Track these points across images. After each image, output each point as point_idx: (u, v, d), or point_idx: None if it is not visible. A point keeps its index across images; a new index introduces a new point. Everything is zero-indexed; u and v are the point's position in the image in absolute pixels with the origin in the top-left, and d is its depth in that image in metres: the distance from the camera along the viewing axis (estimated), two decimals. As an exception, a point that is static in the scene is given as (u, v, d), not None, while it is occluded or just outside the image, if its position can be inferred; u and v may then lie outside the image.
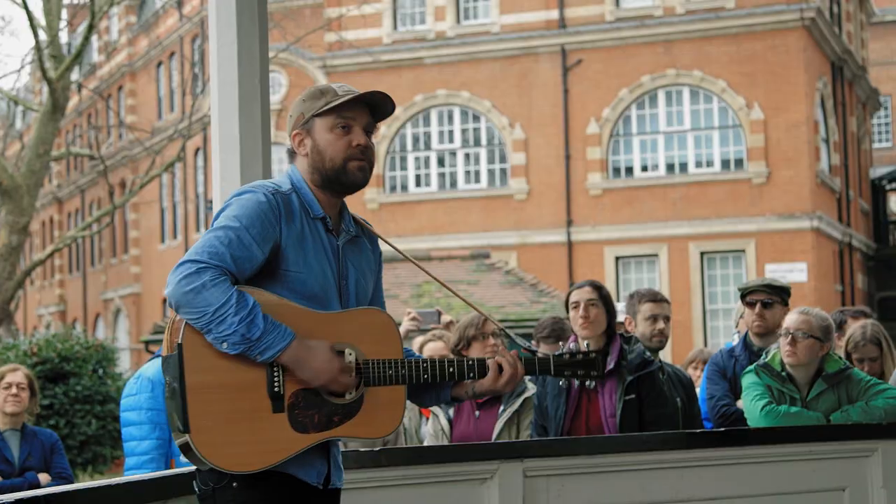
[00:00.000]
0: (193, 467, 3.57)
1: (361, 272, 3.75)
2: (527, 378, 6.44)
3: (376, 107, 3.72)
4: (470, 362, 3.74)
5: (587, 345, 3.96)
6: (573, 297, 6.10)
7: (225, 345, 3.38)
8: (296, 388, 3.48)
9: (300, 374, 3.46)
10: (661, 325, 6.90)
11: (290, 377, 3.47)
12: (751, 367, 6.23)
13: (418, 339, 7.52)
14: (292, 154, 3.75)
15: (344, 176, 3.65)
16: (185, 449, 3.42)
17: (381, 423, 3.62)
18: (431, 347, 7.01)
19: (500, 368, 3.75)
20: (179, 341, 3.41)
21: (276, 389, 3.45)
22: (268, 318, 3.40)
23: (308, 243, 3.60)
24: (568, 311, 6.15)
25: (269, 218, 3.52)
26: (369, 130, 3.70)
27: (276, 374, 3.45)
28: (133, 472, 5.93)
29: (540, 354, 3.87)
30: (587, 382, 3.97)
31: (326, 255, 3.64)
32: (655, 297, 7.05)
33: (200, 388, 3.40)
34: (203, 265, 3.40)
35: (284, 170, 3.81)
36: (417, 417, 7.16)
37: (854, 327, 7.04)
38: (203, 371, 3.41)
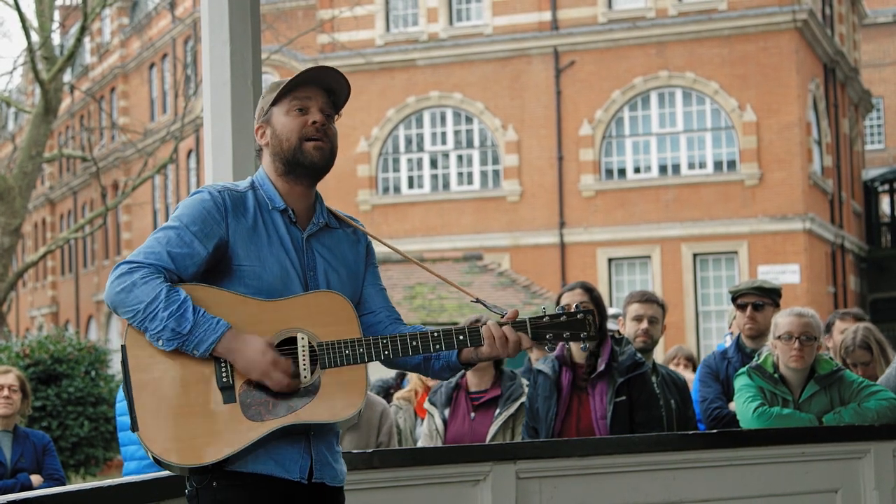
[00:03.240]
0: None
1: (332, 264, 3.67)
2: (524, 383, 6.45)
3: (332, 90, 3.67)
4: (460, 334, 3.61)
5: (577, 305, 3.68)
6: (564, 300, 6.10)
7: (160, 342, 3.36)
8: (247, 377, 3.43)
9: (236, 366, 3.41)
10: (644, 325, 6.89)
11: None
12: (743, 369, 6.22)
13: None
14: (259, 151, 3.73)
15: (301, 156, 3.58)
16: (155, 459, 3.39)
17: (341, 406, 3.49)
18: None
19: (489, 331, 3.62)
20: (123, 342, 3.42)
21: (224, 380, 3.41)
22: (198, 311, 3.37)
23: (261, 237, 3.55)
24: None
25: (212, 214, 3.50)
26: (328, 113, 3.64)
27: (223, 365, 3.41)
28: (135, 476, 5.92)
29: (517, 321, 3.67)
30: (582, 346, 3.65)
31: (285, 247, 3.58)
32: (642, 298, 7.05)
33: (146, 385, 3.38)
34: (136, 265, 3.41)
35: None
36: (413, 418, 7.15)
37: (846, 332, 7.02)
38: (148, 369, 3.39)
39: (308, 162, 3.60)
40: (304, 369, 3.47)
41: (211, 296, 3.45)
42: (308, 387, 3.47)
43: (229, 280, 3.51)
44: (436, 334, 3.61)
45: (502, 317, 3.70)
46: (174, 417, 3.37)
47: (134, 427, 3.36)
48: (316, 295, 3.56)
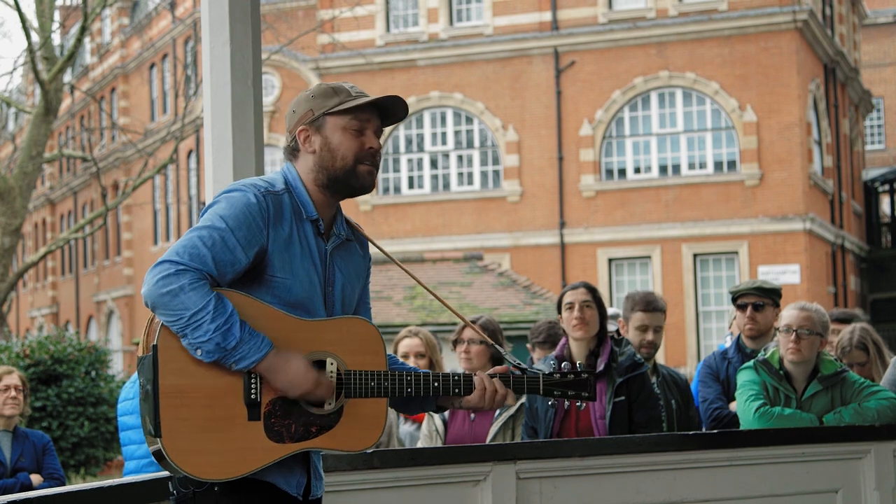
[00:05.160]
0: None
1: (348, 278, 3.66)
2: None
3: (386, 111, 3.64)
4: (456, 378, 3.66)
5: (579, 365, 3.86)
6: (568, 298, 6.10)
7: (199, 352, 3.29)
8: (273, 396, 3.40)
9: (274, 385, 3.38)
10: (650, 336, 6.86)
11: (267, 384, 3.39)
12: (749, 362, 6.20)
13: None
14: (293, 151, 3.63)
15: (354, 178, 3.56)
16: (157, 455, 3.34)
17: (359, 437, 3.52)
18: (407, 344, 6.95)
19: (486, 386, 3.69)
20: (155, 342, 3.32)
21: (252, 397, 3.37)
22: (245, 327, 3.32)
23: (295, 248, 3.50)
24: (560, 312, 6.15)
25: (256, 221, 3.42)
26: (378, 135, 3.63)
27: (253, 380, 3.37)
28: (134, 476, 5.92)
29: (529, 373, 3.76)
30: (578, 404, 3.84)
31: (313, 260, 3.54)
32: (648, 307, 6.97)
33: (174, 391, 3.31)
34: (183, 267, 3.30)
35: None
36: (395, 417, 7.13)
37: (843, 332, 7.03)
38: (178, 374, 3.32)
39: (359, 185, 3.58)
40: (331, 395, 3.48)
41: (250, 307, 3.39)
42: (330, 414, 3.47)
43: (258, 288, 3.45)
44: (456, 378, 3.66)
45: (515, 367, 3.79)
46: (199, 429, 3.33)
47: (157, 433, 3.29)
48: (349, 321, 3.57)
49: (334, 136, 3.56)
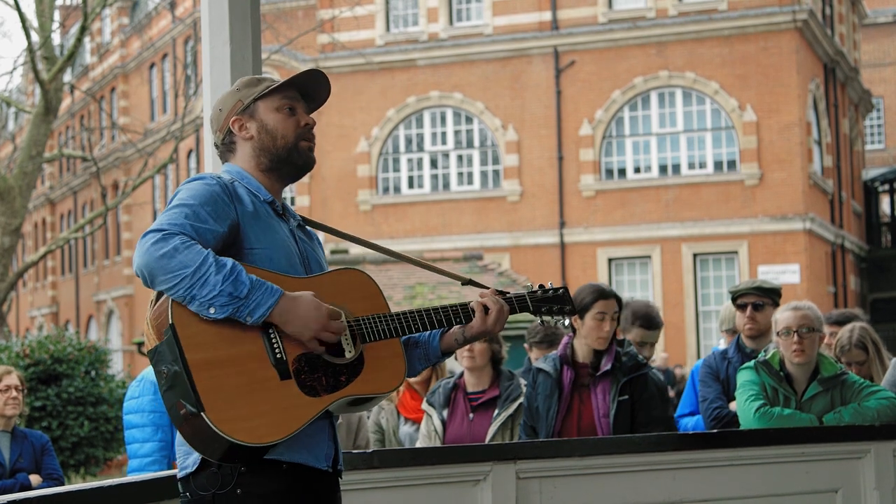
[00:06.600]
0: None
1: (315, 256, 3.69)
2: (522, 383, 6.44)
3: (310, 96, 3.69)
4: (454, 308, 3.72)
5: (550, 284, 3.96)
6: (602, 308, 5.99)
7: (212, 309, 3.23)
8: (297, 353, 3.36)
9: (289, 329, 3.33)
10: (646, 351, 6.87)
11: (288, 342, 3.35)
12: (750, 363, 6.19)
13: None
14: (229, 146, 3.66)
15: (296, 155, 3.60)
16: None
17: (387, 378, 3.55)
18: None
19: (485, 309, 3.73)
20: (171, 321, 3.26)
21: (278, 356, 3.32)
22: (252, 276, 3.28)
23: (263, 220, 3.51)
24: (584, 316, 6.03)
25: (221, 197, 3.42)
26: (308, 114, 3.67)
27: (274, 341, 3.33)
28: (136, 475, 5.94)
29: (514, 294, 3.84)
30: (564, 322, 3.88)
31: (283, 232, 3.57)
32: (650, 324, 6.94)
33: (204, 364, 3.25)
34: (168, 232, 3.25)
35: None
36: (395, 418, 7.11)
37: (842, 331, 7.03)
38: (202, 348, 3.26)
39: (302, 162, 3.63)
40: (348, 343, 3.48)
41: (249, 269, 3.35)
42: (354, 361, 3.48)
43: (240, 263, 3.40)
44: (455, 308, 3.72)
45: (498, 292, 3.83)
46: (238, 396, 3.27)
47: (199, 408, 3.20)
48: (340, 273, 3.61)
49: (269, 118, 3.60)
